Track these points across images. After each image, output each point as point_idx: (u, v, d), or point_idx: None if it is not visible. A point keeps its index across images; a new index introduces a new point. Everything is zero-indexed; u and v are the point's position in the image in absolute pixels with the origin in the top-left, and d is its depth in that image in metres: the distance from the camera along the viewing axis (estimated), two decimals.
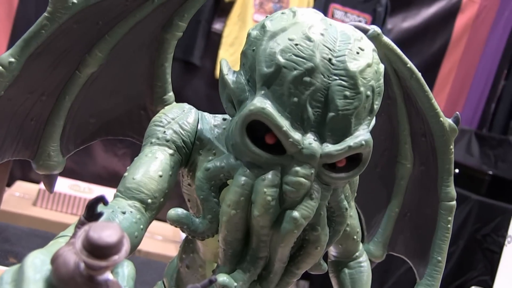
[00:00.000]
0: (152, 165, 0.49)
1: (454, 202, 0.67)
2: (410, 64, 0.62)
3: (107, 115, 0.61)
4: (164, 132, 0.52)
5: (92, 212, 0.35)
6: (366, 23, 2.50)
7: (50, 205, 2.21)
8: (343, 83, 0.44)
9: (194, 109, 0.54)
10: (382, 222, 0.70)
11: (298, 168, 0.44)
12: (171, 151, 0.51)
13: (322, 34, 0.44)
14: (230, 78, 0.48)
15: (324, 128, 0.45)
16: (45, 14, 0.51)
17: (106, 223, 0.31)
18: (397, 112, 0.67)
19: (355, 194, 0.62)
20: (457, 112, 0.66)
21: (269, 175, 0.45)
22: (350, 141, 0.45)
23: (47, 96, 0.56)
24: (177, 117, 0.53)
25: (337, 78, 0.44)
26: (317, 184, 0.46)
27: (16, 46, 0.51)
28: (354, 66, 0.44)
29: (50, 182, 0.60)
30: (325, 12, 2.48)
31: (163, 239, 2.27)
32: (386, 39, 0.61)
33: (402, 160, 0.68)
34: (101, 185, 2.57)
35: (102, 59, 0.56)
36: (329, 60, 0.44)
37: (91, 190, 2.41)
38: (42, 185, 2.09)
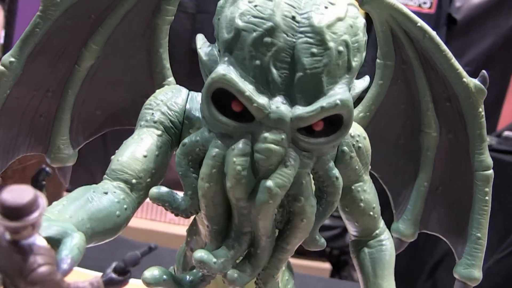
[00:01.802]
0: (137, 147, 0.50)
1: (491, 171, 0.61)
2: (421, 22, 0.57)
3: (112, 106, 0.63)
4: (152, 114, 0.52)
5: (35, 183, 0.36)
6: (431, 3, 2.37)
7: (139, 213, 2.33)
8: (309, 40, 0.41)
9: (184, 90, 0.54)
10: (410, 198, 0.65)
11: (266, 134, 0.42)
12: (159, 132, 0.51)
13: None
14: (203, 50, 0.46)
15: (293, 90, 0.42)
16: (38, 13, 0.54)
17: (20, 186, 0.31)
18: (415, 77, 0.61)
19: (369, 166, 0.58)
20: (484, 71, 0.60)
21: (239, 144, 0.43)
22: (323, 101, 0.42)
23: (52, 92, 0.59)
24: (166, 99, 0.53)
25: (302, 35, 0.41)
26: (295, 151, 0.43)
27: (15, 46, 0.54)
28: (320, 21, 0.41)
29: (64, 175, 0.63)
30: None
31: None
32: None
33: (426, 129, 0.63)
34: None
35: (98, 51, 0.58)
36: (293, 17, 0.41)
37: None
38: None
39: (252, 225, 0.45)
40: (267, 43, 0.41)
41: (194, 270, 0.48)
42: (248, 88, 0.41)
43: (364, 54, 0.46)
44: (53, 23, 0.54)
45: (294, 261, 0.61)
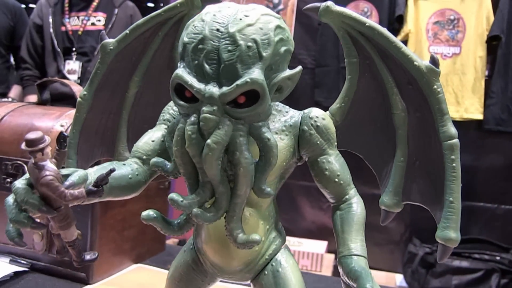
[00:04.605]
0: (149, 136, 0.73)
1: (455, 140, 0.67)
2: (369, 22, 0.70)
3: (155, 121, 0.85)
4: (163, 115, 0.75)
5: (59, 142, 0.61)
6: None
7: None
8: (227, 42, 0.59)
9: None
10: (391, 173, 0.74)
11: (204, 108, 0.59)
12: (166, 126, 0.73)
13: (214, 15, 0.61)
14: (177, 65, 0.67)
15: (220, 77, 0.59)
16: (98, 60, 0.81)
17: (36, 131, 0.57)
18: (378, 68, 0.73)
19: (333, 142, 0.70)
20: (433, 53, 0.69)
21: (191, 118, 0.61)
22: (238, 81, 0.58)
23: (113, 114, 0.84)
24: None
25: (223, 40, 0.59)
26: (229, 120, 0.60)
27: (87, 84, 0.82)
28: (234, 28, 0.59)
29: None
30: None
31: None
32: (337, 8, 0.71)
33: (395, 111, 0.73)
34: (311, 238, 2.78)
35: (139, 82, 0.82)
36: (217, 29, 0.60)
37: (300, 244, 2.65)
38: None
39: (208, 176, 0.62)
40: (200, 49, 0.60)
41: (182, 215, 0.66)
42: (191, 79, 0.60)
43: (281, 47, 0.61)
44: (108, 65, 0.80)
45: None
